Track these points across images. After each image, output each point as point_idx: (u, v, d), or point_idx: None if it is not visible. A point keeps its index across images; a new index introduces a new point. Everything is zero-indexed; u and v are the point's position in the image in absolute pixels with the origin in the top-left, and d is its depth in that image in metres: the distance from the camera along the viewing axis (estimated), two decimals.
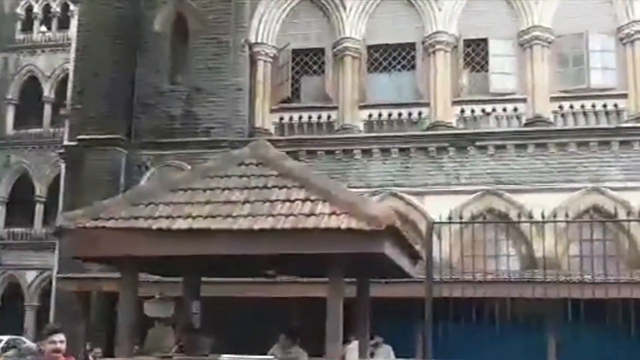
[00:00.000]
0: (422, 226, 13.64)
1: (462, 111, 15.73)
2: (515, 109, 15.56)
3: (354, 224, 6.27)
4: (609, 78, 15.34)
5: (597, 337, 12.35)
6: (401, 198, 15.27)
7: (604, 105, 15.23)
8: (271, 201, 6.77)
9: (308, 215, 6.55)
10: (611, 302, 9.31)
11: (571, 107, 15.35)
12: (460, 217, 9.46)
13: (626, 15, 15.28)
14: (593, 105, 15.26)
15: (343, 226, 6.32)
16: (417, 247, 8.11)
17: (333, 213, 6.49)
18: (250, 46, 16.48)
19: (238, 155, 7.63)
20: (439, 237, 12.83)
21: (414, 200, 15.19)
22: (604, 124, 15.16)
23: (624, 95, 15.16)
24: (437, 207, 13.16)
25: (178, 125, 16.19)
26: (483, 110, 15.66)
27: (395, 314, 12.61)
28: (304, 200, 6.71)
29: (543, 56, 15.45)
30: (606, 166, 14.80)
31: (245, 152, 7.53)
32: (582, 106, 15.30)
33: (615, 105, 15.19)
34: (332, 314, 6.68)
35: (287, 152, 14.95)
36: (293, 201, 6.74)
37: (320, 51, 16.44)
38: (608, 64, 15.38)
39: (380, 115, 15.98)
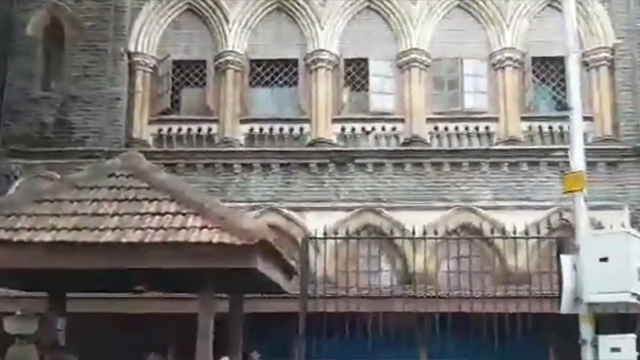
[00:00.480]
0: None
1: (343, 129, 15.95)
2: (394, 129, 15.94)
3: (225, 238, 6.19)
4: (481, 102, 16.01)
5: (464, 350, 12.77)
6: (281, 213, 15.28)
7: (476, 128, 15.86)
8: (141, 214, 6.59)
9: (178, 229, 6.42)
10: (477, 315, 9.68)
11: (446, 128, 15.89)
12: (335, 233, 9.56)
13: (498, 43, 16.04)
14: (466, 128, 15.87)
15: (214, 240, 6.23)
16: (292, 263, 8.10)
17: (204, 227, 6.39)
18: (130, 55, 16.05)
19: (109, 166, 7.39)
20: (317, 253, 12.93)
21: (295, 215, 15.23)
22: (476, 145, 15.80)
23: (495, 119, 15.86)
24: (318, 223, 13.28)
25: (50, 133, 15.50)
26: (363, 129, 15.95)
27: (274, 330, 12.54)
28: (174, 214, 6.57)
29: (420, 78, 15.94)
30: (477, 186, 15.41)
31: (116, 163, 7.30)
32: (456, 128, 15.87)
33: (487, 128, 15.85)
34: (202, 330, 6.57)
35: (166, 165, 15.04)
36: (164, 214, 6.58)
37: (202, 63, 16.23)
38: (480, 88, 16.06)
39: (261, 129, 15.95)
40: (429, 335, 11.64)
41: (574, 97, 7.62)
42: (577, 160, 7.30)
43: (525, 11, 16.08)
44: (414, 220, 13.74)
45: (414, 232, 10.56)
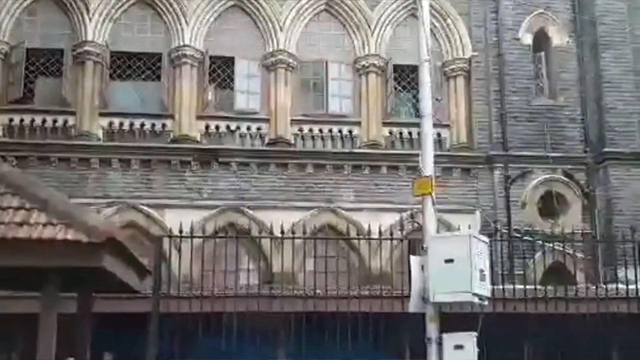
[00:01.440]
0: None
1: (207, 127, 15.73)
2: (259, 129, 15.91)
3: (70, 235, 5.87)
4: (345, 106, 16.30)
5: (323, 349, 12.89)
6: (141, 211, 14.84)
7: (340, 131, 16.13)
8: None
9: (20, 225, 6.02)
10: (335, 315, 9.77)
11: (310, 130, 16.05)
12: (198, 230, 9.34)
13: (362, 49, 16.38)
14: (330, 130, 16.10)
15: (59, 237, 5.89)
16: (146, 261, 7.83)
17: (49, 223, 6.02)
18: None
19: None
20: (178, 252, 12.65)
21: (154, 213, 14.84)
22: (339, 148, 16.05)
23: (358, 123, 16.18)
24: (178, 221, 12.96)
25: None
26: (228, 127, 15.81)
27: (127, 331, 12.11)
28: (16, 209, 6.14)
29: (286, 80, 16.01)
30: (339, 188, 15.66)
31: None
32: (320, 130, 16.07)
33: (350, 132, 16.15)
34: (44, 331, 6.19)
35: (17, 157, 14.23)
36: (4, 209, 6.15)
37: (59, 52, 15.48)
38: (345, 92, 16.34)
39: (121, 124, 15.43)
40: (287, 335, 11.68)
41: (425, 105, 7.84)
42: (427, 165, 7.52)
43: (389, 20, 16.52)
44: (278, 220, 13.77)
45: (282, 232, 10.53)
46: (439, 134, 15.85)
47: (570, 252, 13.69)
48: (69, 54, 15.39)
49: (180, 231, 9.77)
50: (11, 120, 15.10)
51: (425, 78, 8.09)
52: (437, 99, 15.12)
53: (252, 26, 16.25)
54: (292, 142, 15.90)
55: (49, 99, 15.49)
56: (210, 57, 15.88)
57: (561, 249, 13.24)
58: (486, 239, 7.53)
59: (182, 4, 15.83)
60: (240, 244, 13.65)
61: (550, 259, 13.54)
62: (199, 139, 15.62)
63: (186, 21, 15.79)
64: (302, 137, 16.04)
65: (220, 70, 16.06)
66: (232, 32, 16.17)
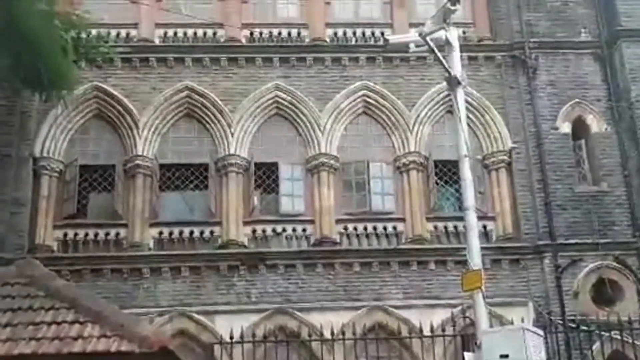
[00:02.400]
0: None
1: (254, 231, 15.99)
2: (304, 230, 16.10)
3: (124, 346, 6.05)
4: (388, 203, 16.45)
5: None
6: (191, 318, 14.97)
7: (385, 228, 16.21)
8: (36, 323, 6.37)
9: (75, 339, 6.23)
10: None
11: (355, 229, 16.17)
12: (242, 337, 9.43)
13: (402, 147, 16.68)
14: (375, 228, 16.19)
15: (113, 349, 6.08)
16: None
17: (103, 335, 6.23)
18: (35, 160, 15.80)
19: (3, 274, 7.15)
20: (230, 358, 12.71)
21: (205, 320, 14.94)
22: (384, 245, 16.10)
23: (402, 219, 16.27)
24: (228, 327, 13.12)
25: None
26: (274, 230, 16.04)
27: None
28: (71, 322, 6.39)
29: (329, 181, 16.31)
30: (387, 285, 15.60)
31: (11, 271, 7.10)
32: (365, 228, 16.17)
33: (395, 228, 16.23)
34: None
35: (71, 271, 14.63)
36: (60, 323, 6.38)
37: (111, 168, 16.14)
38: (387, 190, 16.54)
39: (171, 233, 15.81)
40: None
41: (468, 199, 7.96)
42: (475, 259, 7.56)
43: (427, 118, 16.86)
44: (328, 321, 13.86)
45: (333, 334, 10.49)
46: (484, 226, 15.83)
47: (630, 340, 13.30)
48: (120, 168, 16.03)
49: (231, 337, 9.86)
50: (65, 235, 15.61)
51: (467, 174, 8.26)
52: (480, 192, 15.27)
53: (294, 132, 16.76)
54: (338, 241, 16.02)
55: (101, 213, 16.02)
56: (255, 164, 16.34)
57: (619, 337, 12.87)
58: (541, 332, 7.46)
59: (226, 116, 16.46)
60: (290, 348, 13.65)
61: (609, 349, 13.16)
62: (246, 243, 15.86)
63: (231, 132, 16.37)
64: (347, 236, 16.16)
65: (265, 176, 16.47)
66: (275, 138, 16.69)
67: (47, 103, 15.45)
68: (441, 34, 9.65)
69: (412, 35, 10.21)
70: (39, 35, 12.27)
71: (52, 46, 12.87)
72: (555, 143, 16.60)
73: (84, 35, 14.86)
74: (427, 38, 9.28)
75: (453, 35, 9.55)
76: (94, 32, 15.64)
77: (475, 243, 7.78)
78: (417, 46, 9.76)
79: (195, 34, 17.23)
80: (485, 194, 16.47)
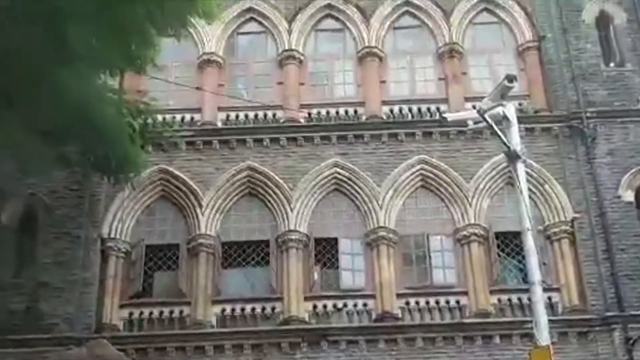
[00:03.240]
0: None
1: (315, 307, 16.02)
2: (365, 305, 16.04)
3: None
4: (450, 276, 16.33)
5: None
6: None
7: (447, 302, 16.04)
8: None
9: None
10: None
11: (417, 303, 16.05)
12: None
13: (462, 219, 16.65)
14: (437, 302, 16.04)
15: None
16: None
17: None
18: (103, 241, 16.32)
19: (75, 355, 7.37)
20: None
21: None
22: (447, 319, 15.90)
23: (465, 293, 16.10)
24: None
25: (19, 321, 15.26)
26: (335, 306, 16.04)
27: None
28: None
29: (389, 255, 16.32)
30: None
31: (82, 353, 7.31)
32: (427, 302, 16.03)
33: (457, 302, 16.04)
34: None
35: (136, 350, 14.85)
36: None
37: (175, 247, 16.52)
38: (448, 263, 16.45)
39: (233, 310, 15.96)
40: None
41: (534, 273, 7.93)
42: (543, 335, 7.47)
43: (486, 189, 16.85)
44: None
45: None
46: (549, 298, 15.51)
47: None
48: (184, 247, 16.41)
49: None
50: (131, 314, 15.91)
51: (531, 247, 8.24)
52: (543, 263, 15.03)
53: (353, 206, 16.93)
54: (399, 316, 15.90)
55: (166, 292, 16.33)
56: (315, 239, 16.51)
57: None
58: None
59: (286, 193, 16.77)
60: None
61: None
62: (307, 319, 15.88)
63: (291, 208, 16.65)
64: (409, 311, 16.02)
65: (324, 251, 16.60)
66: (334, 213, 16.89)
67: (115, 186, 16.06)
68: (499, 109, 9.79)
69: (470, 112, 10.39)
70: (109, 124, 12.89)
71: (121, 133, 13.50)
72: (619, 212, 16.35)
73: (150, 120, 15.52)
74: (485, 115, 9.42)
75: (511, 111, 9.71)
76: (160, 117, 16.37)
77: (542, 319, 7.69)
78: (475, 122, 9.91)
79: (256, 115, 17.78)
80: (549, 265, 16.19)
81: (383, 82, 18.19)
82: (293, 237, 16.43)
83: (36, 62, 10.63)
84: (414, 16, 18.92)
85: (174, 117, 17.44)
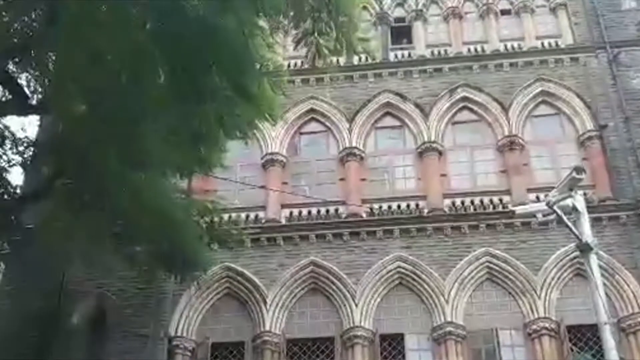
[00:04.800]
0: None
1: None
2: None
3: None
4: None
5: None
6: None
7: None
8: None
9: None
10: None
11: None
12: None
13: (531, 313, 16.23)
14: None
15: None
16: None
17: None
18: (170, 339, 16.41)
19: None
20: None
21: None
22: None
23: None
24: None
25: None
26: None
27: None
28: None
29: (457, 351, 15.92)
30: None
31: None
32: None
33: None
34: None
35: None
36: None
37: (240, 344, 16.49)
38: (519, 357, 15.92)
39: None
40: None
41: None
42: None
43: (555, 281, 16.46)
44: None
45: None
46: None
47: None
48: (249, 345, 16.36)
49: None
50: None
51: (610, 342, 7.99)
52: (621, 358, 14.43)
53: (418, 301, 16.69)
54: None
55: None
56: (380, 335, 16.26)
57: None
58: None
59: (350, 288, 16.69)
60: None
61: None
62: None
63: (355, 303, 16.54)
64: None
65: (390, 347, 16.30)
66: (399, 309, 16.66)
67: (182, 284, 16.27)
68: (568, 201, 9.74)
69: (539, 204, 10.35)
70: (178, 224, 13.21)
71: (189, 233, 13.79)
72: None
73: (217, 219, 15.85)
74: (555, 206, 9.37)
75: (580, 202, 9.65)
76: (225, 216, 16.70)
77: None
78: (544, 215, 9.85)
79: (318, 212, 17.98)
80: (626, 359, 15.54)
81: (444, 175, 18.29)
82: (358, 333, 16.22)
83: (112, 166, 11.08)
84: (472, 111, 19.18)
85: (239, 215, 17.81)
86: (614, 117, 18.24)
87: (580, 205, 9.69)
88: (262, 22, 11.94)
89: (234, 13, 10.08)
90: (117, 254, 14.55)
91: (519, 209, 11.35)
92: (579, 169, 9.37)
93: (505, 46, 20.15)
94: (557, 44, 20.04)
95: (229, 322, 16.89)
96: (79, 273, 16.26)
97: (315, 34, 12.69)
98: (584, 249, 9.61)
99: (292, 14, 12.65)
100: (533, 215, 10.23)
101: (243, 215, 17.94)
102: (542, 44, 20.12)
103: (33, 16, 12.59)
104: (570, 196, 9.63)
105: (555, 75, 19.20)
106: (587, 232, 9.76)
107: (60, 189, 12.96)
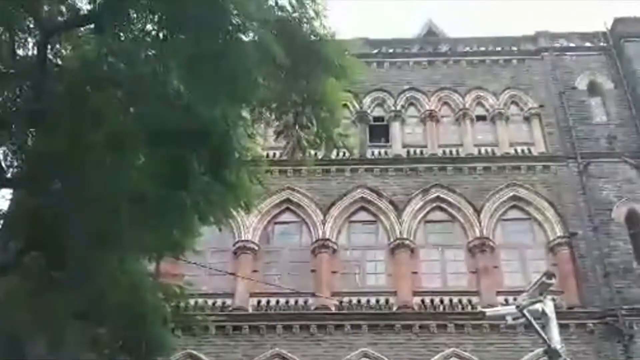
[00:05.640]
0: None
1: None
2: None
3: None
4: None
5: None
6: None
7: None
8: None
9: None
10: None
11: None
12: None
13: None
14: None
15: None
16: None
17: None
18: None
19: None
20: None
21: None
22: None
23: None
24: None
25: None
26: None
27: None
28: None
29: None
30: None
31: None
32: None
33: None
34: None
35: None
36: None
37: None
38: None
39: None
40: None
41: None
42: None
43: None
44: None
45: None
46: None
47: None
48: None
49: None
50: None
51: None
52: None
53: None
54: None
55: None
56: None
57: None
58: None
59: None
60: None
61: None
62: None
63: None
64: None
65: None
66: None
67: None
68: (537, 305, 9.80)
69: (509, 307, 10.40)
70: (144, 307, 12.94)
71: (154, 317, 13.47)
72: None
73: (182, 304, 15.56)
74: (524, 310, 9.43)
75: (550, 307, 9.71)
76: (192, 302, 16.43)
77: None
78: (514, 318, 9.89)
79: (287, 302, 17.83)
80: None
81: (414, 272, 18.33)
82: None
83: (84, 244, 10.95)
84: (445, 211, 19.43)
85: (206, 301, 17.54)
86: (583, 226, 18.58)
87: (550, 310, 9.75)
88: (245, 113, 12.12)
89: (218, 103, 10.25)
90: (81, 335, 14.15)
91: (489, 311, 11.36)
92: (549, 274, 9.48)
93: (480, 151, 20.64)
94: (529, 152, 20.59)
95: None
96: (41, 351, 15.73)
97: (297, 127, 12.88)
98: (553, 355, 9.60)
99: (274, 105, 12.86)
100: (503, 317, 10.24)
101: (210, 301, 17.70)
102: (515, 150, 20.63)
103: (18, 92, 12.67)
104: (540, 301, 9.69)
105: (527, 182, 19.63)
106: (555, 337, 9.78)
107: (28, 264, 12.71)
